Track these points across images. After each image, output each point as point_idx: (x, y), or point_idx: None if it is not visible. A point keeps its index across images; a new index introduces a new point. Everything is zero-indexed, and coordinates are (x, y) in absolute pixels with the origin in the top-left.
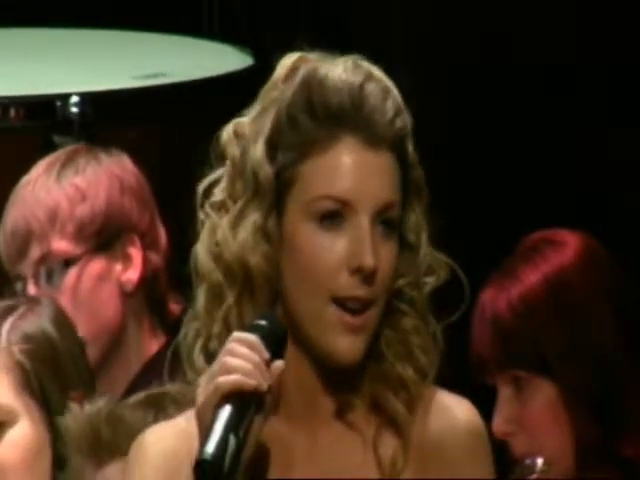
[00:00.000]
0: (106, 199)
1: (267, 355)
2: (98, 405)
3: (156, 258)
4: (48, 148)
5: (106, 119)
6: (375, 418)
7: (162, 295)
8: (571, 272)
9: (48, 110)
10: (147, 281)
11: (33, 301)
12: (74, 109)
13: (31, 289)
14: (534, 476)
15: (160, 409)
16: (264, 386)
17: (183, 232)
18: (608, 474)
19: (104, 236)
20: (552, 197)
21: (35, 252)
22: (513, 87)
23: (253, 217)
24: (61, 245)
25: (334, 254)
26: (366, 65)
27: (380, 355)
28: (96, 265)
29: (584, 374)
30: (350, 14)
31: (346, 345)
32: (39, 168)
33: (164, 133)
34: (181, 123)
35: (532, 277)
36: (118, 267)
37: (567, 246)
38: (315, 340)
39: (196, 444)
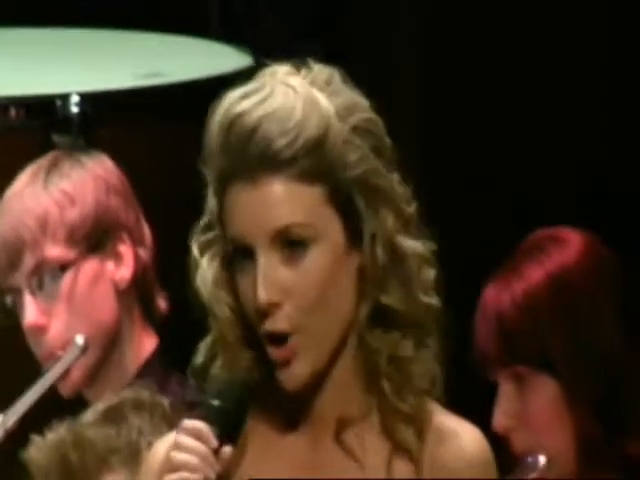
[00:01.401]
0: (94, 201)
1: (215, 443)
2: (60, 432)
3: (144, 254)
4: (47, 147)
5: (106, 118)
6: (386, 444)
7: (150, 291)
8: (574, 270)
9: (48, 109)
10: (139, 278)
11: None
12: (74, 109)
13: (27, 299)
14: (535, 475)
15: (121, 420)
16: (211, 475)
17: (181, 231)
18: (610, 472)
19: (95, 237)
20: (556, 194)
21: (29, 262)
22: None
23: (215, 263)
24: (55, 251)
25: (247, 294)
26: (258, 92)
27: (381, 390)
28: (90, 267)
29: (587, 371)
30: (350, 14)
31: (284, 376)
32: (24, 178)
33: (163, 132)
34: (180, 123)
35: (535, 274)
36: (110, 266)
37: (570, 244)
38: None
39: None
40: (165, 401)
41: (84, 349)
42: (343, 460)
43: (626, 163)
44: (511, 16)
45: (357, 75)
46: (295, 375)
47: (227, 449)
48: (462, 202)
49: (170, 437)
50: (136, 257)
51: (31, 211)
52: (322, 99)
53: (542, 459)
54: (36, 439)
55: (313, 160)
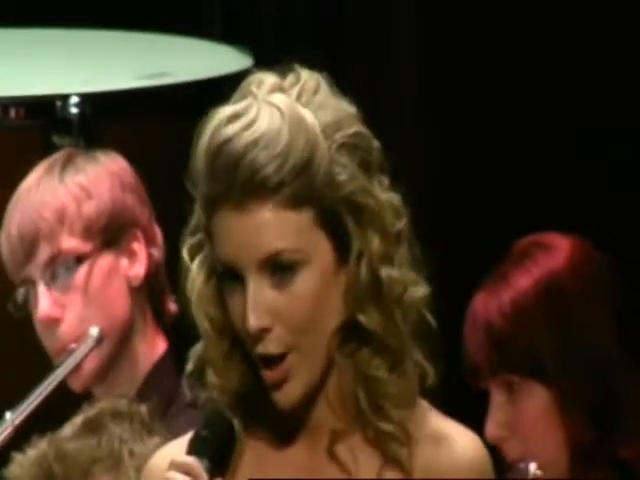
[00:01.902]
0: (110, 196)
1: (205, 477)
2: (41, 447)
3: (157, 253)
4: (47, 148)
5: (106, 119)
6: (377, 455)
7: (162, 292)
8: (563, 276)
9: (48, 110)
10: (151, 277)
11: None
12: (74, 109)
13: (41, 290)
14: None
15: (101, 429)
16: None
17: (180, 231)
18: (603, 478)
19: (110, 232)
20: (554, 199)
21: (44, 253)
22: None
23: (202, 272)
24: (71, 243)
25: (236, 315)
26: (245, 115)
27: (362, 413)
28: (105, 261)
29: (578, 378)
30: (350, 15)
31: (277, 397)
32: (39, 171)
33: (164, 133)
34: (181, 123)
35: (523, 281)
36: (125, 263)
37: (558, 250)
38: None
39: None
40: (143, 408)
41: (99, 340)
42: (337, 474)
43: (627, 165)
44: (513, 16)
45: (357, 75)
46: (289, 395)
47: None
48: (459, 207)
49: (165, 450)
50: (149, 256)
51: (48, 203)
52: (308, 117)
53: (533, 466)
54: (17, 456)
55: (300, 184)
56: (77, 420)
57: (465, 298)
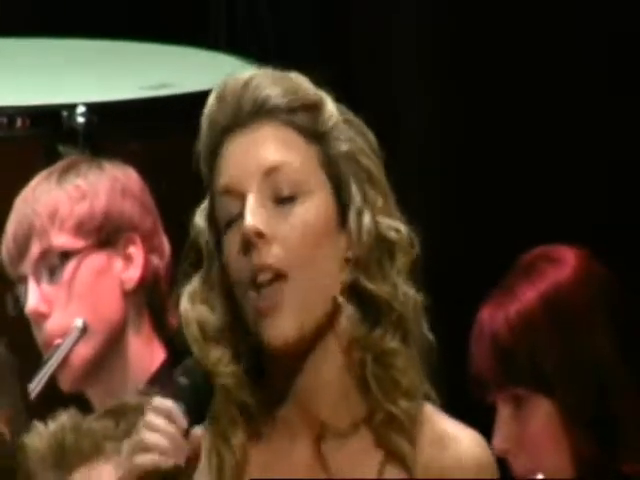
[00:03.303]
0: (106, 199)
1: (185, 424)
2: (62, 419)
3: (158, 262)
4: (53, 157)
5: (111, 129)
6: (378, 454)
7: (162, 302)
8: (568, 289)
9: (54, 120)
10: (148, 284)
11: None
12: (80, 119)
13: (32, 287)
14: None
15: (121, 416)
16: (181, 461)
17: (184, 239)
18: None
19: (105, 233)
20: (560, 206)
21: (35, 249)
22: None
23: (194, 282)
24: (61, 240)
25: (238, 259)
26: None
27: (372, 395)
28: (96, 259)
29: (583, 391)
30: (351, 28)
31: (269, 330)
32: (39, 177)
33: (168, 143)
34: (186, 132)
35: (529, 294)
36: (119, 264)
37: (564, 263)
38: (254, 335)
39: (210, 464)
40: (169, 403)
41: (83, 330)
42: (337, 473)
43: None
44: (514, 16)
45: (357, 78)
46: (280, 328)
47: (196, 432)
48: (460, 208)
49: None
50: (147, 262)
51: (42, 201)
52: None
53: (540, 477)
54: (38, 426)
55: (309, 120)
56: (102, 408)
57: (472, 310)
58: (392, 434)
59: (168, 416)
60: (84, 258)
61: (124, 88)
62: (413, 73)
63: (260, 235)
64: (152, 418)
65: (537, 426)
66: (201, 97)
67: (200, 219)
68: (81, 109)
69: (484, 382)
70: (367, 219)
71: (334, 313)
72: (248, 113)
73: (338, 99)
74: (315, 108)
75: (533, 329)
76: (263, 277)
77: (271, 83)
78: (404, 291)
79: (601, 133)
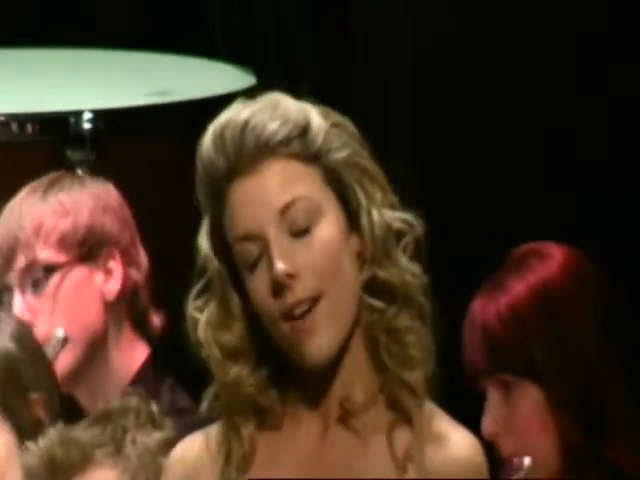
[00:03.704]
0: (89, 215)
1: None
2: (50, 434)
3: (136, 274)
4: (61, 162)
5: (116, 134)
6: (387, 419)
7: (144, 309)
8: (556, 283)
9: (62, 126)
10: (128, 295)
11: None
12: (86, 125)
13: (17, 297)
14: (521, 475)
15: (107, 422)
16: None
17: (186, 242)
18: (592, 474)
19: (86, 248)
20: (548, 205)
21: (21, 261)
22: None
23: (210, 307)
24: (45, 254)
25: (263, 294)
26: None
27: (384, 365)
28: (78, 273)
29: (569, 379)
30: (349, 41)
31: (308, 350)
32: (25, 191)
33: (171, 148)
34: (187, 139)
35: (519, 287)
36: (99, 278)
37: (552, 258)
38: (291, 359)
39: (221, 453)
40: (154, 406)
41: (64, 341)
42: (348, 440)
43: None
44: (511, 19)
45: (357, 94)
46: (319, 348)
47: None
48: (453, 210)
49: (190, 437)
50: (126, 275)
51: (28, 216)
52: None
53: (527, 461)
54: (29, 445)
55: (304, 143)
56: (92, 415)
57: (463, 303)
58: (403, 396)
59: None
60: (67, 272)
61: (128, 95)
62: (408, 75)
63: (290, 276)
64: None
65: (525, 411)
66: (201, 104)
67: (205, 246)
68: (87, 115)
69: (475, 369)
70: (376, 217)
71: (358, 308)
72: (251, 155)
73: (330, 98)
74: (305, 130)
75: (522, 320)
76: (300, 310)
77: (268, 119)
78: (411, 272)
79: (585, 133)
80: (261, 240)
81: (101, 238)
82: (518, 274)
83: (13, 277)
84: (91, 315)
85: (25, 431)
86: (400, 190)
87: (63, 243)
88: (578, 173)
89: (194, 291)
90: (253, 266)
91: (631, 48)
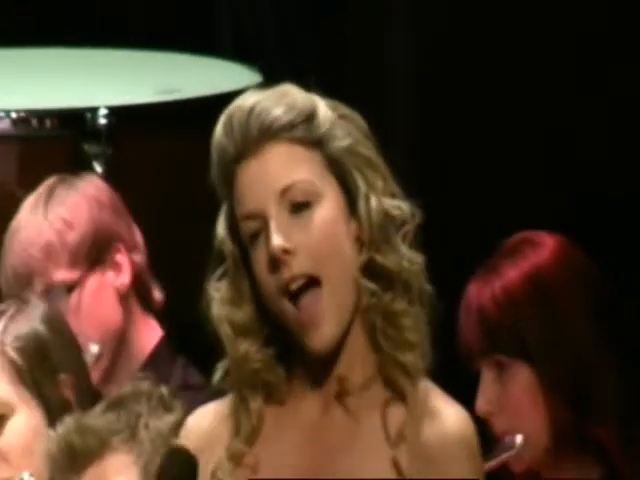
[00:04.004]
0: (89, 220)
1: None
2: (67, 422)
3: (139, 258)
4: (78, 155)
5: (130, 129)
6: (383, 397)
7: (147, 288)
8: (548, 269)
9: (79, 121)
10: (135, 280)
11: (23, 302)
12: (102, 120)
13: None
14: (513, 452)
15: (121, 407)
16: None
17: (194, 229)
18: (580, 451)
19: (94, 253)
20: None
21: (38, 287)
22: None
23: (222, 287)
24: (60, 275)
25: (264, 268)
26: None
27: (380, 347)
28: (93, 282)
29: (560, 360)
30: (349, 42)
31: (313, 339)
32: (27, 207)
33: (180, 142)
34: (195, 134)
35: (513, 273)
36: (111, 276)
37: (544, 246)
38: (295, 340)
39: (231, 425)
40: (164, 389)
41: (98, 357)
42: (346, 416)
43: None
44: (511, 17)
45: (353, 84)
46: (324, 335)
47: None
48: (451, 206)
49: (202, 408)
50: (132, 263)
51: (36, 243)
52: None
53: (519, 438)
54: (49, 433)
55: (308, 129)
56: (105, 400)
57: (459, 288)
58: (398, 376)
59: None
60: (84, 285)
61: (140, 92)
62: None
63: (286, 251)
64: None
65: (517, 391)
66: (210, 101)
67: (222, 230)
68: (103, 111)
69: (470, 350)
70: (374, 202)
71: (357, 292)
72: (256, 138)
73: (331, 96)
74: (311, 117)
75: (516, 304)
76: (295, 285)
77: (273, 105)
78: (409, 258)
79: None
80: (262, 218)
81: (105, 237)
82: (512, 260)
83: None
84: (111, 314)
85: (53, 411)
86: (400, 183)
87: (74, 259)
88: (578, 172)
89: (213, 273)
90: (256, 243)
91: (631, 48)
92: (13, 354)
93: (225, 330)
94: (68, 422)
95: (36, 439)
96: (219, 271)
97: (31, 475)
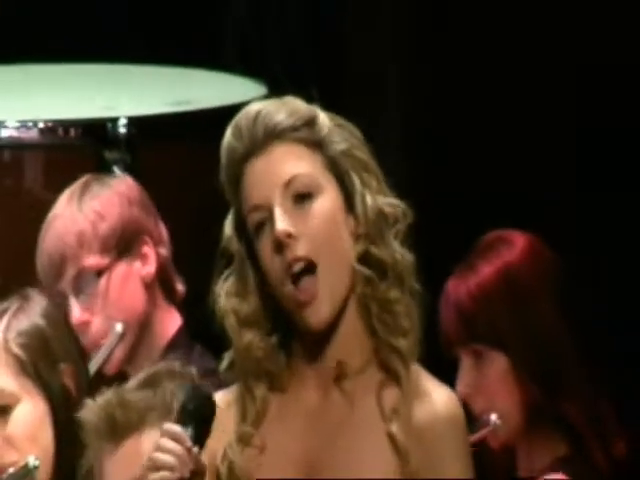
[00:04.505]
0: (119, 214)
1: (189, 444)
2: (107, 395)
3: (164, 252)
4: (99, 161)
5: (147, 137)
6: (378, 379)
7: (170, 280)
8: (519, 265)
9: (100, 130)
10: (160, 271)
11: (24, 299)
12: (121, 129)
13: (73, 301)
14: (489, 429)
15: (157, 384)
16: (186, 475)
17: (206, 228)
18: (550, 428)
19: (123, 244)
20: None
21: (71, 271)
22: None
23: (229, 280)
24: (91, 261)
25: (269, 255)
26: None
27: (375, 331)
28: (121, 269)
29: (530, 347)
30: (350, 55)
31: (309, 316)
32: (62, 200)
33: (192, 149)
34: (206, 142)
35: (487, 270)
36: (138, 265)
37: (516, 244)
38: (295, 322)
39: (237, 411)
40: (194, 370)
41: (122, 335)
42: (344, 398)
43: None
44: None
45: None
46: (319, 314)
47: (196, 451)
48: (439, 210)
49: (220, 395)
50: (157, 255)
51: (70, 231)
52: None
53: (494, 417)
54: (89, 402)
55: (309, 132)
56: (139, 375)
57: (440, 284)
58: (392, 360)
59: (176, 438)
60: (112, 271)
61: (156, 104)
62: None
63: (289, 236)
64: (163, 441)
65: (493, 376)
66: (219, 112)
67: (229, 229)
68: (122, 121)
69: (450, 339)
70: (369, 201)
71: (352, 279)
72: (262, 139)
73: (329, 109)
74: (312, 122)
75: (490, 298)
76: (297, 267)
77: (276, 110)
78: (401, 253)
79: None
80: (268, 208)
81: (133, 231)
82: (486, 258)
83: (65, 285)
84: (136, 300)
85: (55, 398)
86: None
87: (104, 247)
88: (576, 170)
89: (220, 269)
90: (261, 232)
91: None
92: (17, 350)
93: (230, 321)
94: (109, 395)
95: (40, 426)
96: (225, 267)
97: (36, 459)
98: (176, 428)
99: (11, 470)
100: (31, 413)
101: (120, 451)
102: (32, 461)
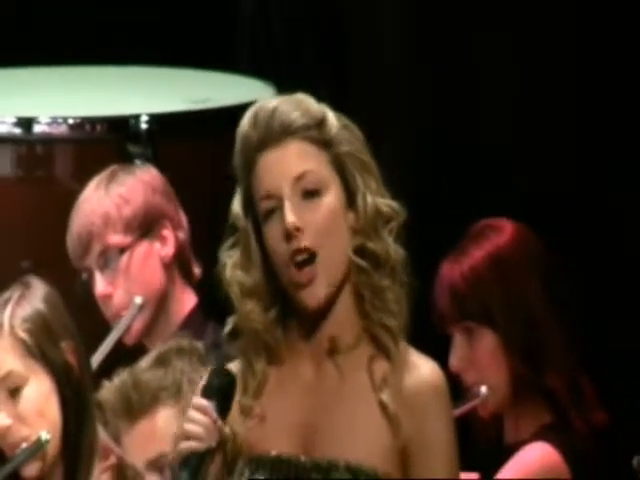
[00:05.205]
0: (143, 200)
1: (215, 416)
2: (123, 376)
3: (182, 236)
4: (123, 155)
5: (167, 133)
6: (368, 354)
7: (188, 263)
8: (507, 250)
9: (124, 126)
10: (178, 253)
11: (25, 287)
12: (143, 126)
13: (98, 276)
14: (479, 400)
15: (167, 363)
16: (213, 444)
17: (221, 217)
18: (535, 400)
19: (145, 226)
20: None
21: (96, 248)
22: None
23: (235, 253)
24: (115, 239)
25: (277, 240)
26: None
27: (367, 314)
28: (142, 248)
29: (517, 325)
30: (350, 59)
31: (307, 296)
32: (91, 186)
33: (209, 144)
34: (222, 137)
35: (478, 253)
36: (157, 246)
37: (504, 230)
38: (294, 301)
39: (238, 384)
40: (200, 346)
41: (141, 307)
42: (337, 371)
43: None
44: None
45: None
46: (316, 295)
47: (219, 423)
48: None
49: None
50: (176, 238)
51: (97, 211)
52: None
53: (484, 389)
54: (105, 383)
55: (319, 132)
56: (151, 354)
57: (434, 267)
58: (382, 336)
59: (203, 411)
60: (134, 250)
61: (174, 102)
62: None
63: (297, 229)
64: (192, 413)
65: (482, 351)
66: (233, 110)
67: (237, 206)
68: (144, 118)
69: (444, 317)
70: (369, 199)
71: (348, 268)
72: (276, 134)
73: (336, 108)
74: (322, 123)
75: (480, 279)
76: (301, 257)
77: (292, 109)
78: (394, 248)
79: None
80: (278, 198)
81: (155, 215)
82: (477, 243)
83: (91, 261)
84: (155, 278)
85: (59, 373)
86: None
87: (128, 227)
88: (573, 166)
89: (227, 243)
90: (270, 218)
91: None
92: (23, 334)
93: (234, 290)
94: (124, 376)
95: (47, 402)
96: (231, 240)
97: (47, 433)
98: (204, 402)
99: (24, 445)
100: (38, 390)
101: (135, 429)
102: (44, 435)
